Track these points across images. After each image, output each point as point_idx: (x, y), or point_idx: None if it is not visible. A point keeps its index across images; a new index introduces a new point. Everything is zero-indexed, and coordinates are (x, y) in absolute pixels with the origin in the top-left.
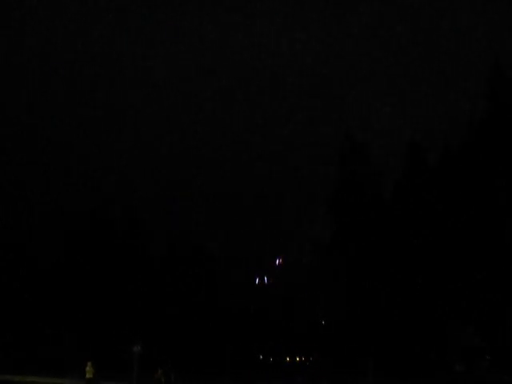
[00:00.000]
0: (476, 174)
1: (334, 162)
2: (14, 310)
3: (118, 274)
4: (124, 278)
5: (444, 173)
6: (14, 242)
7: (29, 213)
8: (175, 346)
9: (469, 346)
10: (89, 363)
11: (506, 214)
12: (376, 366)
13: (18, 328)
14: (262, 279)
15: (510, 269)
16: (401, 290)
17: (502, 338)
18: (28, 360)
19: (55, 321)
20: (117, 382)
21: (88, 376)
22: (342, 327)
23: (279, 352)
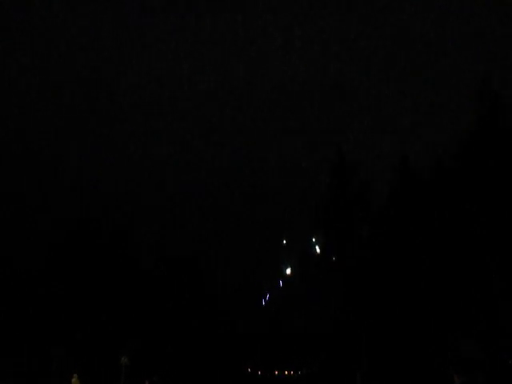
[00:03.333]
0: (466, 188)
1: (325, 177)
2: None
3: (105, 285)
4: (112, 289)
5: (435, 186)
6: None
7: (14, 221)
8: (163, 358)
9: (468, 358)
10: (75, 375)
11: (499, 226)
12: (370, 378)
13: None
14: (264, 298)
15: (507, 281)
16: (396, 303)
17: (501, 351)
18: (11, 372)
19: (40, 331)
20: None
21: None
22: (331, 340)
23: (268, 366)
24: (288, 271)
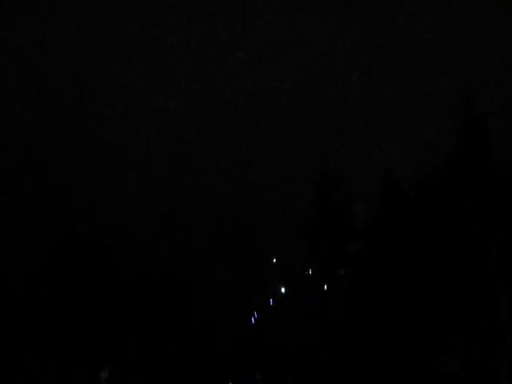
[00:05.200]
0: (450, 201)
1: (309, 188)
2: None
3: (84, 297)
4: (91, 301)
5: (419, 200)
6: None
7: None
8: (144, 372)
9: (449, 374)
10: None
11: (481, 242)
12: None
13: None
14: (253, 316)
15: (488, 296)
16: (376, 319)
17: (480, 367)
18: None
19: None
20: None
21: None
22: (312, 357)
23: (251, 380)
24: (282, 290)
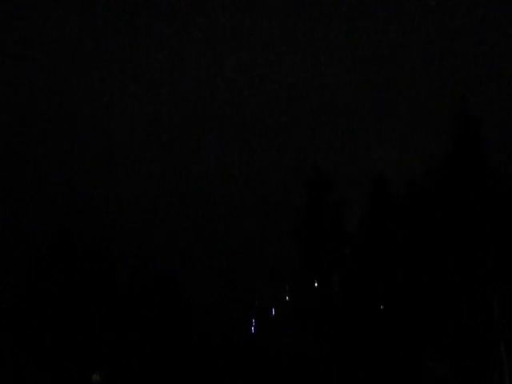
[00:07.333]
0: (444, 204)
1: (303, 191)
2: None
3: (80, 301)
4: (85, 304)
5: (409, 205)
6: None
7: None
8: (139, 375)
9: (439, 376)
10: None
11: (471, 246)
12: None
13: None
14: (251, 323)
15: (480, 299)
16: (368, 323)
17: (469, 370)
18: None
19: (13, 349)
20: None
21: None
22: (307, 359)
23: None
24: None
